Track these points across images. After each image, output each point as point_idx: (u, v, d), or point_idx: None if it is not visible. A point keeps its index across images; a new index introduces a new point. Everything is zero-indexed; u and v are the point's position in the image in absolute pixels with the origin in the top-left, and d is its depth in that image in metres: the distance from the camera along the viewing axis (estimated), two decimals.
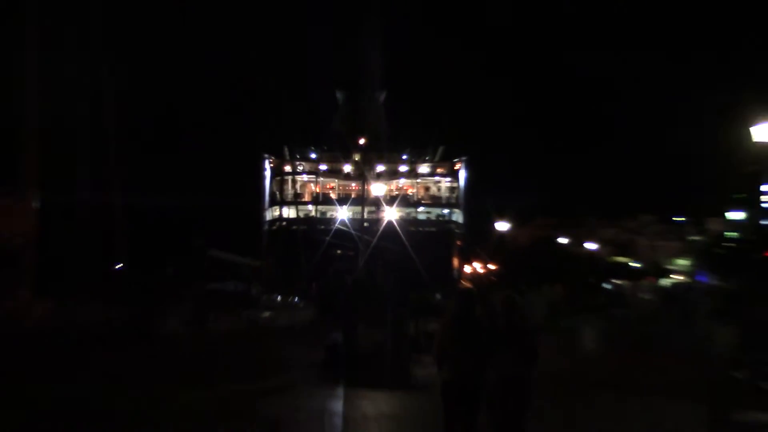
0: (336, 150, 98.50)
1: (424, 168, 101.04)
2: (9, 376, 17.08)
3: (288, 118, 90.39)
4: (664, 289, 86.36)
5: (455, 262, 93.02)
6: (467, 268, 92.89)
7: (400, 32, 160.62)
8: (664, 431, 15.00)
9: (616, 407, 17.78)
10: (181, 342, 31.23)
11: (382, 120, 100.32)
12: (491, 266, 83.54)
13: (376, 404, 16.95)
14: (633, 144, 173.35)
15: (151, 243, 48.23)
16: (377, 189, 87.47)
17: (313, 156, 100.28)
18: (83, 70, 40.05)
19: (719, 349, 22.31)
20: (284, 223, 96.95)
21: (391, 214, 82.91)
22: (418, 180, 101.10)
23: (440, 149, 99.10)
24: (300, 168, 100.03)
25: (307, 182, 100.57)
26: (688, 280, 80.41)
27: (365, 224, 78.09)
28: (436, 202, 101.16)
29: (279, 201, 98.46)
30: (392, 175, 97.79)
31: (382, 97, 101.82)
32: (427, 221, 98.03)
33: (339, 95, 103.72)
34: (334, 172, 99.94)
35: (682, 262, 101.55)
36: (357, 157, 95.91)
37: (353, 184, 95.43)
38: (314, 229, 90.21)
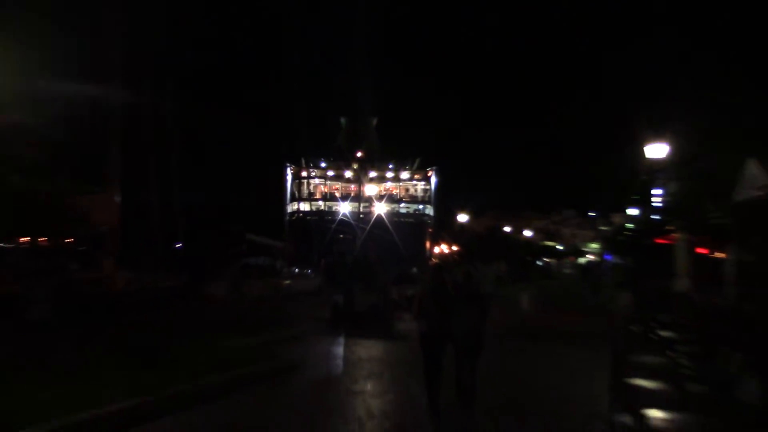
0: (339, 160, 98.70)
1: (404, 174, 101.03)
2: (99, 327, 17.22)
3: (304, 136, 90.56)
4: (580, 265, 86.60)
5: (427, 244, 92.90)
6: (436, 249, 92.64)
7: (389, 73, 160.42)
8: (579, 366, 14.93)
9: (544, 350, 17.94)
10: (224, 303, 31.41)
11: (374, 139, 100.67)
12: (454, 247, 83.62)
13: (368, 349, 16.86)
14: (560, 154, 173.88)
15: (202, 229, 48.00)
16: (370, 190, 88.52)
17: (323, 165, 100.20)
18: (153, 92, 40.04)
19: (620, 309, 22.64)
20: (300, 214, 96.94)
21: (380, 209, 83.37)
22: (400, 183, 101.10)
23: (417, 161, 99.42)
24: (313, 174, 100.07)
25: (318, 184, 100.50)
26: (597, 259, 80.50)
27: (361, 216, 78.52)
28: (413, 200, 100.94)
29: (297, 198, 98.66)
30: (381, 179, 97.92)
31: (374, 121, 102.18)
32: (407, 214, 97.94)
33: (342, 120, 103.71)
34: (338, 177, 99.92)
35: (594, 246, 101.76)
36: (355, 166, 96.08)
37: (352, 186, 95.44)
38: (323, 219, 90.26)
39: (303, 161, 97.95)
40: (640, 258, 28.55)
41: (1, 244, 20.41)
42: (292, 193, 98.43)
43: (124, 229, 32.44)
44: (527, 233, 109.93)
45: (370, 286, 23.15)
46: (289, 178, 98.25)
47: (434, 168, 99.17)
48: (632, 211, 51.28)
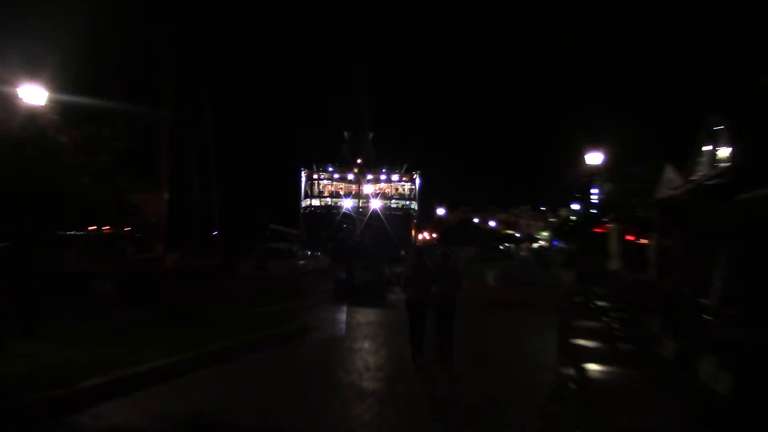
0: (343, 166, 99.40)
1: (395, 177, 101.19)
2: (151, 298, 17.16)
3: (316, 147, 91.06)
4: (534, 249, 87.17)
5: (413, 232, 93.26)
6: (420, 236, 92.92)
7: (382, 97, 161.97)
8: (533, 328, 14.88)
9: (505, 315, 18.05)
10: (251, 279, 31.41)
11: (370, 149, 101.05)
12: (434, 235, 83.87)
13: (365, 316, 16.85)
14: (518, 160, 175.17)
15: (234, 219, 47.96)
16: (367, 189, 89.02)
17: (330, 169, 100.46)
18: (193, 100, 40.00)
19: (565, 284, 22.74)
20: (312, 208, 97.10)
21: (375, 204, 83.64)
22: (391, 184, 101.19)
23: (404, 166, 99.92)
24: (322, 176, 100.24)
25: (326, 184, 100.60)
26: (548, 244, 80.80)
27: (360, 210, 78.85)
28: (401, 197, 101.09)
29: (309, 195, 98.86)
30: (376, 181, 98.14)
31: (371, 135, 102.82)
32: (396, 209, 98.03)
33: (345, 134, 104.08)
34: (342, 179, 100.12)
35: (545, 234, 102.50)
36: (356, 170, 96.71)
37: (353, 186, 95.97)
38: (330, 212, 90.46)
39: (314, 166, 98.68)
40: (581, 243, 28.71)
41: (73, 232, 20.30)
42: (306, 192, 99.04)
43: (170, 219, 32.38)
44: (492, 223, 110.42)
45: (367, 266, 23.13)
46: (303, 179, 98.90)
47: (418, 172, 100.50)
48: (575, 206, 51.61)
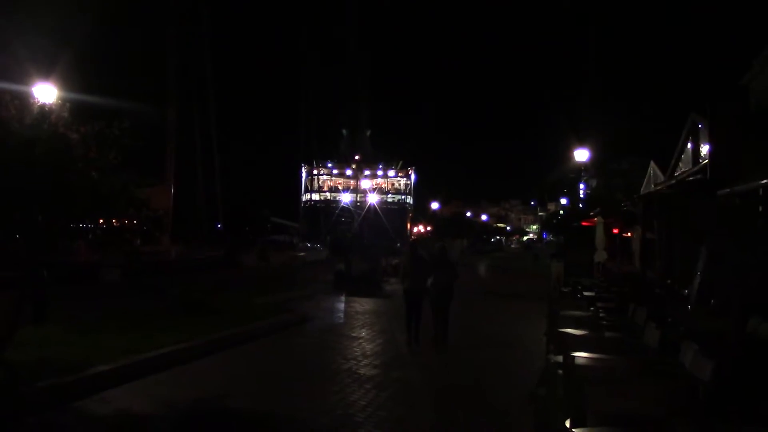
0: (342, 162, 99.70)
1: (391, 173, 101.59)
2: (157, 288, 17.04)
3: (316, 144, 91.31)
4: (524, 242, 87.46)
5: (408, 225, 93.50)
6: (415, 229, 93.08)
7: (378, 97, 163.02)
8: (523, 316, 14.96)
9: (496, 303, 18.23)
10: (253, 270, 31.39)
11: (368, 146, 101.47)
12: (428, 228, 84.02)
13: (362, 305, 16.84)
14: (509, 157, 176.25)
15: (237, 213, 47.84)
16: (365, 184, 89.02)
17: (329, 165, 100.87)
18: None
19: (554, 275, 22.78)
20: (312, 202, 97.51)
21: (372, 199, 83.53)
22: (387, 179, 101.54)
23: (400, 162, 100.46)
24: (321, 171, 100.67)
25: (325, 180, 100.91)
26: (537, 237, 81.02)
27: (358, 204, 78.84)
28: (397, 192, 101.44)
29: (309, 190, 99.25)
30: (373, 176, 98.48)
31: (368, 133, 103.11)
32: (392, 203, 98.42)
33: (344, 131, 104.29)
34: (341, 174, 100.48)
35: (534, 227, 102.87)
36: (354, 166, 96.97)
37: (351, 181, 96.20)
38: (329, 206, 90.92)
39: (314, 162, 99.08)
40: (569, 236, 28.73)
41: (82, 225, 20.30)
42: (306, 186, 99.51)
43: (176, 212, 32.34)
44: (483, 217, 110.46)
45: (364, 257, 23.14)
46: (303, 174, 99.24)
47: (413, 167, 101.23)
48: (563, 201, 51.67)
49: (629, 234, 23.07)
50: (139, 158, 7.78)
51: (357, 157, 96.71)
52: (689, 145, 18.18)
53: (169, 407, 6.76)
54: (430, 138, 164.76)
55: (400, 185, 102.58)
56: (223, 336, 10.35)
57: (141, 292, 16.99)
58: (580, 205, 30.70)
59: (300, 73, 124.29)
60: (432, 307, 10.66)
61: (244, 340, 10.65)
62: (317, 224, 78.25)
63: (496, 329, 13.19)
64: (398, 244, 47.11)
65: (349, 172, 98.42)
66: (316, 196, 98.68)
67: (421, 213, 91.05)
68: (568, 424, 3.77)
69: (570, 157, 27.77)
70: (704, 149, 15.86)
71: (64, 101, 7.51)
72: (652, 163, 23.45)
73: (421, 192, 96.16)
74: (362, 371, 8.65)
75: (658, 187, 18.70)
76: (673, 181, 17.44)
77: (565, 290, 17.94)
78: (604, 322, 8.80)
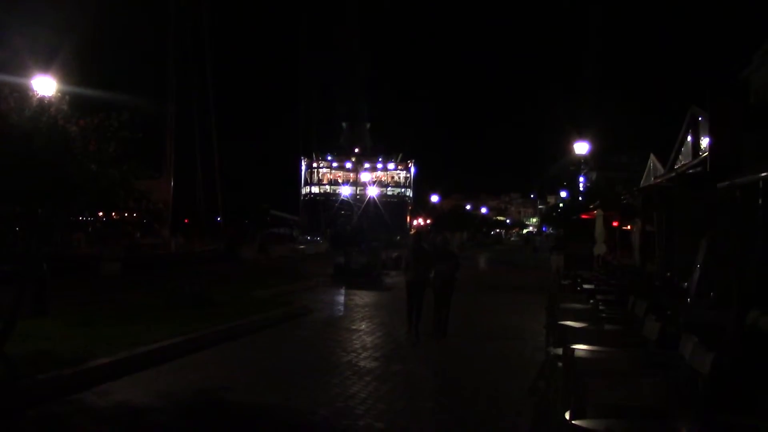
0: (342, 154, 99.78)
1: (390, 166, 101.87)
2: (157, 281, 16.90)
3: (316, 136, 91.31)
4: (524, 234, 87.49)
5: (408, 218, 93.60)
6: (414, 222, 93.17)
7: (379, 90, 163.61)
8: (523, 308, 14.95)
9: (497, 296, 18.26)
10: (254, 263, 31.39)
11: (367, 138, 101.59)
12: (428, 221, 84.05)
13: (362, 298, 16.89)
14: (509, 150, 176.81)
15: (237, 205, 47.70)
16: (364, 177, 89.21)
17: (329, 158, 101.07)
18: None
19: (553, 267, 22.78)
20: (312, 195, 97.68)
21: (372, 192, 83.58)
22: (387, 172, 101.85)
23: (399, 155, 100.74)
24: (321, 164, 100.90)
25: (325, 173, 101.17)
26: (536, 230, 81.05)
27: (357, 197, 78.77)
28: (397, 185, 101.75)
29: (309, 183, 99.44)
30: (373, 169, 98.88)
31: (368, 126, 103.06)
32: (392, 196, 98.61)
33: (344, 124, 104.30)
34: (341, 167, 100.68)
35: (534, 220, 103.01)
36: (353, 159, 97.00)
37: (351, 174, 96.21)
38: (329, 199, 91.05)
39: (314, 155, 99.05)
40: (568, 229, 28.78)
41: (82, 218, 20.31)
42: (305, 179, 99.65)
43: (176, 205, 32.30)
44: (483, 210, 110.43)
45: (364, 250, 23.11)
46: (303, 167, 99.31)
47: (412, 160, 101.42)
48: (563, 194, 51.75)
49: (629, 227, 23.03)
50: (139, 150, 7.74)
51: (357, 150, 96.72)
52: (689, 138, 18.16)
53: (170, 399, 6.76)
54: (430, 131, 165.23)
55: (399, 178, 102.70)
56: (223, 328, 10.34)
57: (140, 285, 16.94)
58: (580, 198, 30.71)
59: (300, 65, 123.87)
60: (434, 298, 10.79)
61: (243, 332, 10.64)
62: (317, 217, 78.30)
63: (496, 322, 13.19)
64: (398, 237, 47.08)
65: (348, 164, 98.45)
66: (315, 189, 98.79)
67: (420, 206, 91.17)
68: (567, 416, 3.76)
69: (570, 150, 27.72)
70: (704, 142, 15.84)
71: (63, 94, 7.48)
72: (651, 156, 23.45)
73: (421, 185, 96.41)
74: (362, 364, 8.64)
75: (658, 180, 18.66)
76: (673, 174, 17.40)
77: (564, 283, 17.92)
78: (604, 315, 8.76)
